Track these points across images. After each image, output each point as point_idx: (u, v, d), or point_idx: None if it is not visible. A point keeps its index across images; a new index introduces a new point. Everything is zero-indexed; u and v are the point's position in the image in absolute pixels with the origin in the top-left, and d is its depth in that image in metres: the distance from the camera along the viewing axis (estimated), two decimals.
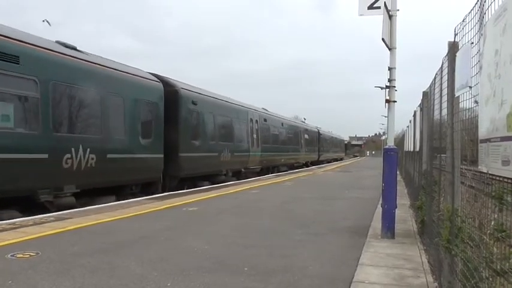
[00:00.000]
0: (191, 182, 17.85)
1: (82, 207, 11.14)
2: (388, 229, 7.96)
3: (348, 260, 6.36)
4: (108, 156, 12.56)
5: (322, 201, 13.90)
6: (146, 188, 14.98)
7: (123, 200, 12.88)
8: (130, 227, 8.79)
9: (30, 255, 6.23)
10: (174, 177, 16.60)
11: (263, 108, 30.33)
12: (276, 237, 7.93)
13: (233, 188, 17.28)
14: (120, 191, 13.57)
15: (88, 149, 11.61)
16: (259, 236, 8.09)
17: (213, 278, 5.39)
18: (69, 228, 8.35)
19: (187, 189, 16.80)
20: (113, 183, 13.10)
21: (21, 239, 7.26)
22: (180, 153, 16.53)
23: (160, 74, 16.69)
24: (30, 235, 7.59)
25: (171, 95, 16.32)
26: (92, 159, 11.74)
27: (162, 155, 15.36)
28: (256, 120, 26.53)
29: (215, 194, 14.92)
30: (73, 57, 11.71)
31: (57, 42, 11.87)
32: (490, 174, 3.08)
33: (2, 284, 5.00)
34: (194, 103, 17.80)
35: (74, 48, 12.11)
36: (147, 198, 13.42)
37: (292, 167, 35.81)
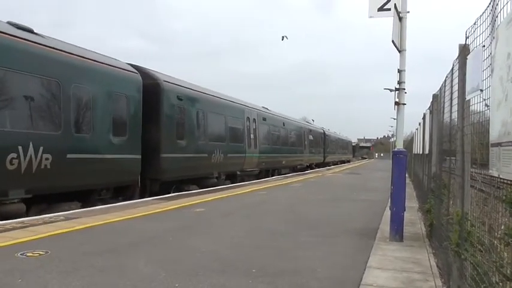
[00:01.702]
0: (177, 185, 16.41)
1: (38, 215, 9.95)
2: (397, 232, 7.93)
3: (356, 262, 6.34)
4: (69, 156, 10.88)
5: (330, 203, 13.87)
6: (120, 193, 13.45)
7: (90, 206, 11.48)
8: (138, 227, 8.82)
9: (40, 254, 6.28)
10: (155, 180, 15.01)
11: (263, 107, 29.06)
12: (284, 239, 7.93)
13: (240, 190, 17.29)
14: (86, 196, 12.02)
15: (41, 148, 9.88)
16: (267, 237, 8.08)
17: (221, 279, 5.40)
18: (77, 227, 8.40)
19: (173, 193, 15.53)
20: (76, 188, 11.44)
21: (30, 238, 7.32)
22: (162, 153, 14.86)
23: (144, 66, 15.25)
24: (40, 234, 7.64)
25: (152, 89, 14.60)
26: (47, 159, 10.04)
27: (139, 156, 13.64)
28: (254, 119, 24.90)
29: (222, 195, 14.94)
30: (24, 39, 9.90)
31: (9, 22, 10.12)
32: (501, 179, 3.06)
33: (12, 282, 5.05)
34: (179, 98, 16.07)
35: (30, 31, 10.41)
36: (154, 199, 13.45)
37: (295, 169, 35.12)
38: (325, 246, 7.40)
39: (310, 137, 40.63)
